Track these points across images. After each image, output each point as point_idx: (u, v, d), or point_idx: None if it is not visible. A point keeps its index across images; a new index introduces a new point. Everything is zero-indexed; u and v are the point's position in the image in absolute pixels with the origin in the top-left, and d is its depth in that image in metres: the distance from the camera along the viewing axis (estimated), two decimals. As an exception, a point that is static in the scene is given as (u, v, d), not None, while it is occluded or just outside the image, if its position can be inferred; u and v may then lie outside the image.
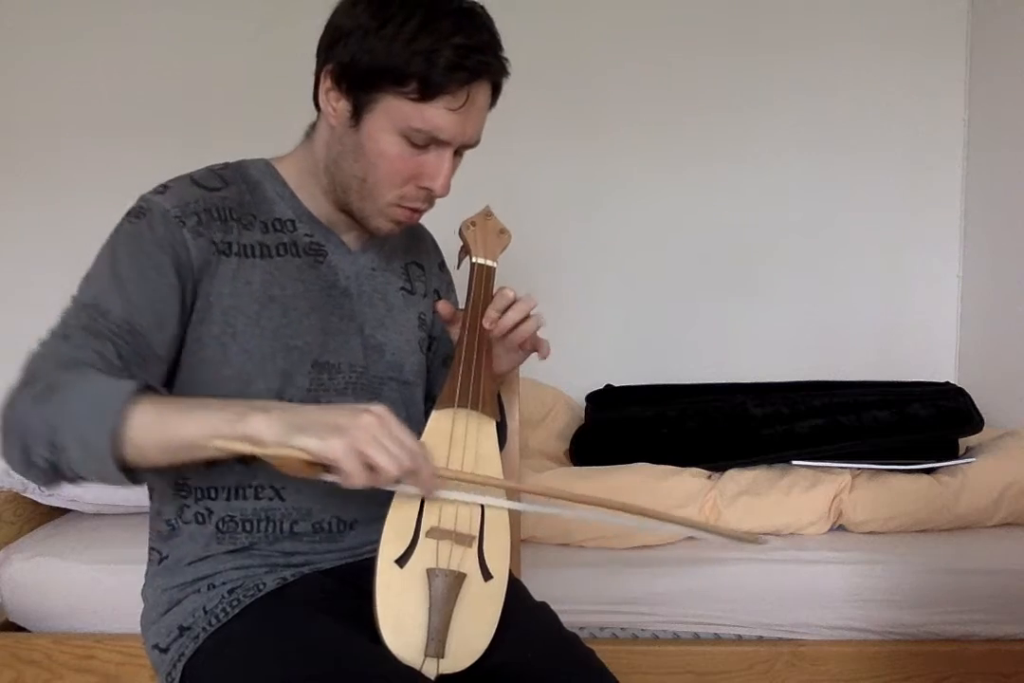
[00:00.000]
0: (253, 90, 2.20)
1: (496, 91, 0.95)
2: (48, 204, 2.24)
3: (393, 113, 0.89)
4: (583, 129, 2.28)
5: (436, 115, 0.89)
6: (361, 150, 0.92)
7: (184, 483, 0.98)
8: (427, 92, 0.87)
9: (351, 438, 0.76)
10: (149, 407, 0.78)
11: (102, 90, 2.24)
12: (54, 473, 0.80)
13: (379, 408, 0.79)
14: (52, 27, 2.23)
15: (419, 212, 0.98)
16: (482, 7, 0.92)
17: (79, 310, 0.87)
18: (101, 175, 2.20)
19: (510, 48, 0.94)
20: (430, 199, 0.97)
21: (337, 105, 0.92)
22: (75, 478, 0.81)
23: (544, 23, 2.24)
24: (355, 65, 0.89)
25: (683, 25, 2.27)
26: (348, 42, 0.89)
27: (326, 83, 0.92)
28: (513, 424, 1.26)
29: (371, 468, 0.76)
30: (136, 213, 0.92)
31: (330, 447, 0.75)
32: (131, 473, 0.80)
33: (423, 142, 0.91)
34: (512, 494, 1.01)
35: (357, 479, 0.76)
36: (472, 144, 0.95)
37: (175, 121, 2.22)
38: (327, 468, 0.78)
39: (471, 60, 0.87)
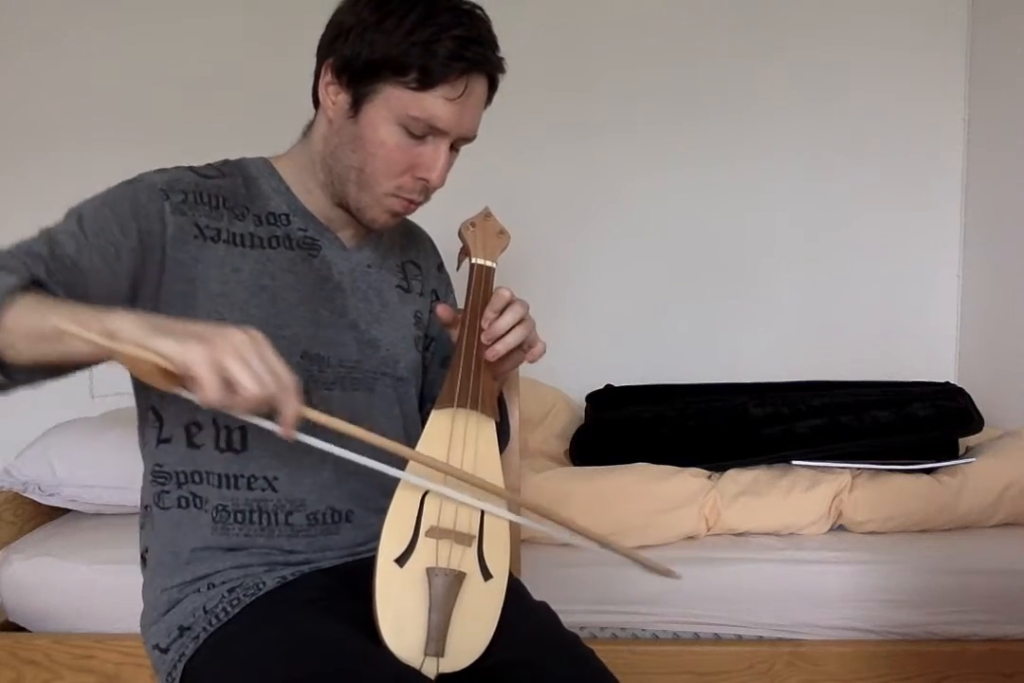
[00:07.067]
0: (253, 92, 2.20)
1: (493, 87, 0.97)
2: (48, 205, 2.23)
3: (392, 102, 0.92)
4: (583, 130, 2.28)
5: (434, 104, 0.91)
6: (360, 141, 0.94)
7: (161, 470, 0.98)
8: (426, 81, 0.90)
9: (213, 348, 0.71)
10: (33, 297, 0.78)
11: (101, 93, 2.24)
12: None
13: (254, 331, 0.75)
14: (51, 29, 2.23)
15: (415, 203, 1.00)
16: (481, 9, 0.94)
17: (40, 235, 0.89)
18: (100, 178, 2.18)
19: (510, 50, 0.96)
20: (426, 191, 0.98)
21: (337, 98, 0.95)
22: None
23: (544, 25, 2.24)
24: (356, 58, 0.91)
25: (682, 26, 2.27)
26: (350, 37, 0.91)
27: (326, 77, 0.95)
28: (514, 424, 1.26)
29: (230, 386, 0.72)
30: (129, 181, 0.96)
31: (187, 351, 0.70)
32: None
33: (421, 132, 0.93)
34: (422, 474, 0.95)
35: (213, 395, 0.71)
36: (469, 137, 0.97)
37: (174, 125, 2.21)
38: (185, 384, 0.73)
39: (470, 51, 0.90)
